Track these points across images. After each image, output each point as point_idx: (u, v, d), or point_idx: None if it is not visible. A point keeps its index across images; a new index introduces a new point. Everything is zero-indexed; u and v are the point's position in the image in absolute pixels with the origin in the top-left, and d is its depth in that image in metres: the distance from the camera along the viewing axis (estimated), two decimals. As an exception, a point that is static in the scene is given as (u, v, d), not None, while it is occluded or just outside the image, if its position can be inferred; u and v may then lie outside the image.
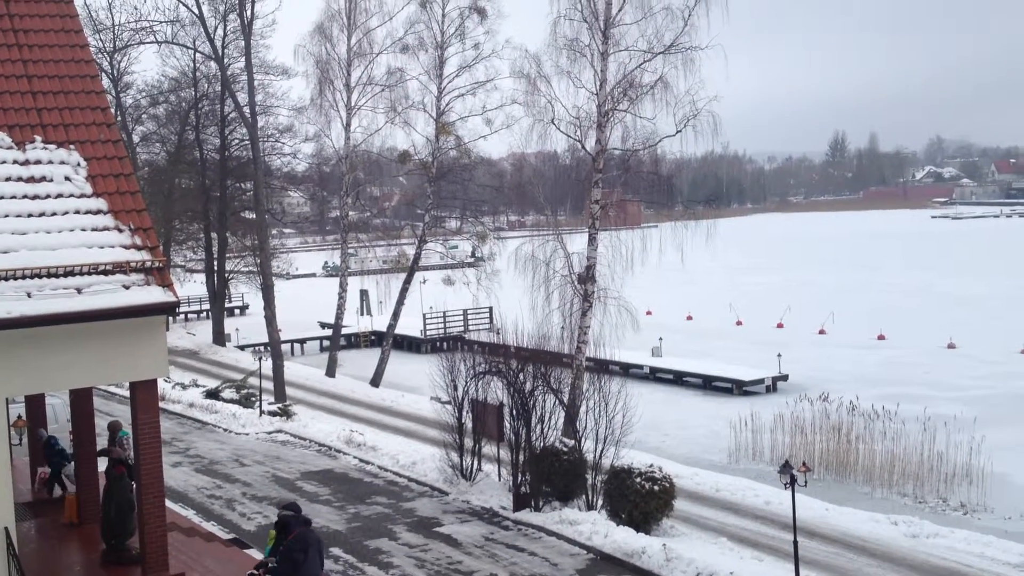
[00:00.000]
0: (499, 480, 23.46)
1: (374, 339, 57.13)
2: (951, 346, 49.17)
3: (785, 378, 41.71)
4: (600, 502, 21.97)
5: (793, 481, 17.97)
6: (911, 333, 52.93)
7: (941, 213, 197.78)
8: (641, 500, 20.82)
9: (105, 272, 12.93)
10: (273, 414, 32.66)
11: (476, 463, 24.00)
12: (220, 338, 55.49)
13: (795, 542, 17.89)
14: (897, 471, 27.87)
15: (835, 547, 20.43)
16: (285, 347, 49.38)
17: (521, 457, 22.48)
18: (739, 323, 60.59)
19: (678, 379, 44.42)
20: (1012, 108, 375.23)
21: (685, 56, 30.68)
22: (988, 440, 28.45)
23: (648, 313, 51.01)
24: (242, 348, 54.84)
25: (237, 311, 74.80)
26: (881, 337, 52.69)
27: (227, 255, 55.65)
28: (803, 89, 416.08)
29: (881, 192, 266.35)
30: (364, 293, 61.09)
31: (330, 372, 45.41)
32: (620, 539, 19.33)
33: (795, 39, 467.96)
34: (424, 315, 56.27)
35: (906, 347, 49.75)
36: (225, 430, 31.28)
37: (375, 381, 43.95)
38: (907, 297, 69.77)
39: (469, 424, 24.16)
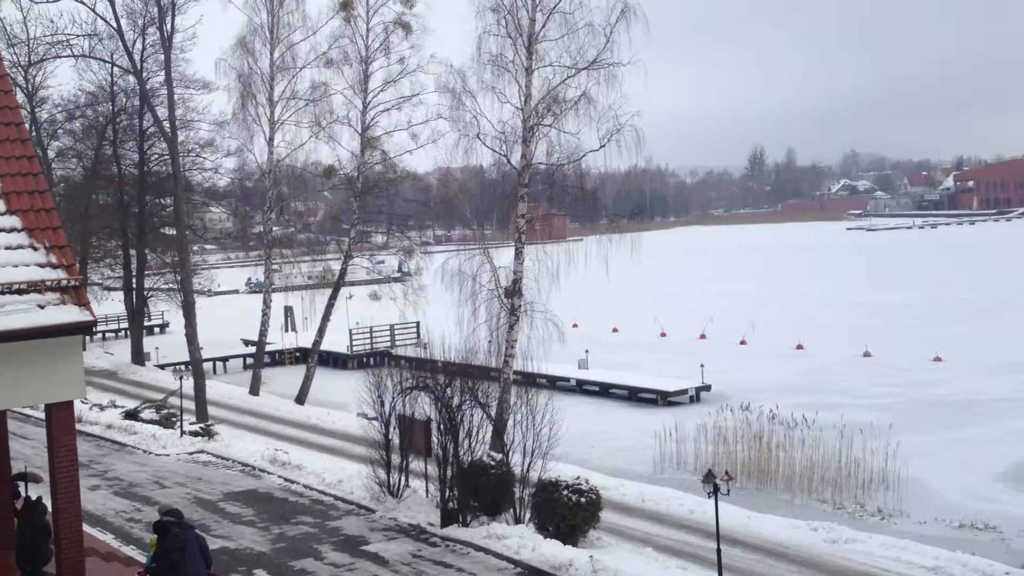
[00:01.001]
0: (427, 496, 23.39)
1: (299, 356, 56.52)
2: (866, 355, 50.44)
3: (708, 388, 42.36)
4: (528, 515, 22.03)
5: (716, 490, 18.28)
6: (828, 343, 54.18)
7: (856, 225, 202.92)
8: (568, 513, 20.94)
9: (19, 291, 12.62)
10: (195, 434, 32.08)
11: (403, 479, 23.90)
12: (139, 357, 54.33)
13: (718, 550, 18.20)
14: (816, 478, 28.48)
15: (757, 554, 20.80)
16: (207, 365, 48.56)
17: (449, 472, 22.45)
18: (663, 335, 61.38)
19: (604, 391, 44.79)
20: (923, 123, 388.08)
21: (608, 72, 31.10)
22: (903, 446, 29.24)
23: (574, 326, 51.40)
24: (162, 367, 53.76)
25: (157, 329, 73.40)
26: (800, 347, 53.84)
27: (146, 272, 54.58)
28: (724, 105, 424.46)
29: (799, 205, 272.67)
30: (288, 309, 60.46)
31: (254, 390, 44.78)
32: (548, 552, 19.42)
33: (716, 56, 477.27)
34: (350, 331, 55.86)
35: (824, 356, 50.90)
36: (145, 451, 30.62)
37: (300, 398, 43.46)
38: (824, 307, 71.42)
39: (396, 440, 24.05)
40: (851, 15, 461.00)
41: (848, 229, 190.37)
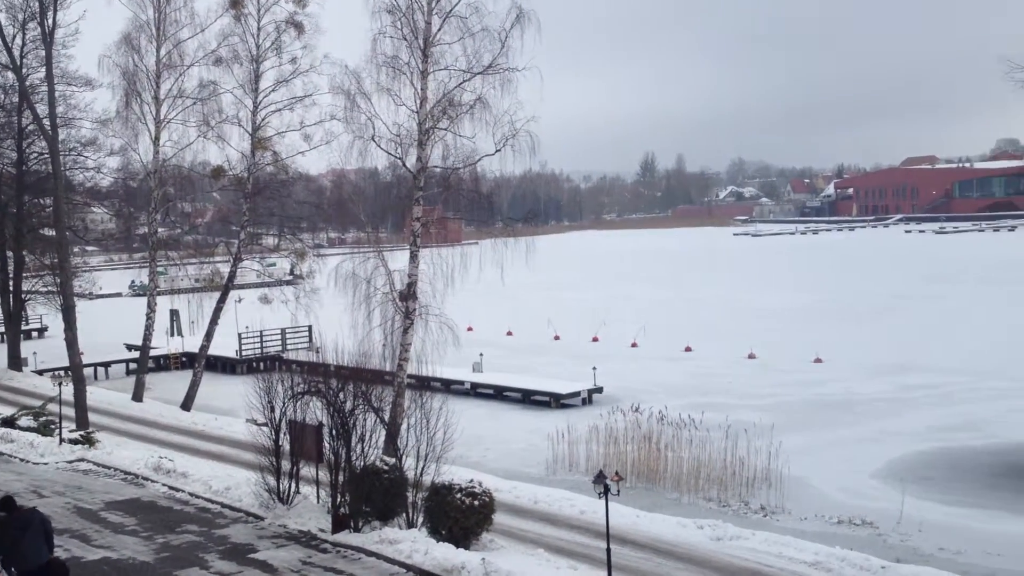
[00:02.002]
0: (318, 502, 23.15)
1: (185, 361, 55.14)
2: (751, 356, 51.90)
3: (600, 390, 42.97)
4: (421, 520, 22.00)
5: (606, 490, 18.58)
6: (716, 345, 55.59)
7: (742, 230, 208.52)
8: (461, 516, 20.98)
9: None
10: (75, 442, 31.02)
11: (294, 486, 23.59)
12: (16, 363, 52.21)
13: (608, 550, 18.50)
14: (703, 477, 29.19)
15: (645, 552, 21.21)
16: (88, 371, 47.01)
17: (341, 477, 22.26)
18: (557, 338, 62.00)
19: (498, 394, 45.01)
20: (805, 132, 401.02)
21: (503, 77, 31.23)
22: (785, 445, 30.20)
23: (469, 329, 51.51)
24: (40, 373, 51.73)
25: (35, 334, 70.64)
26: (688, 349, 55.08)
27: (24, 275, 52.47)
28: (617, 111, 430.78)
29: (688, 210, 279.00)
30: (175, 313, 58.93)
31: (137, 396, 43.51)
32: (440, 556, 19.45)
33: (611, 64, 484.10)
34: (239, 335, 54.78)
35: (711, 358, 52.19)
36: (22, 460, 29.48)
37: (186, 405, 42.42)
38: (712, 310, 73.20)
39: (287, 446, 23.72)
40: (740, 27, 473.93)
41: (735, 234, 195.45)
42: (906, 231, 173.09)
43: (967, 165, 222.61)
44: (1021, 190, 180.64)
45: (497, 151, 31.55)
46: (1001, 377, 43.39)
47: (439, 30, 31.70)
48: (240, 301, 51.72)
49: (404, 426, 23.79)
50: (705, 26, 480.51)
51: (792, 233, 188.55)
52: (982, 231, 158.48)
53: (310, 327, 48.77)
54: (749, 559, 20.76)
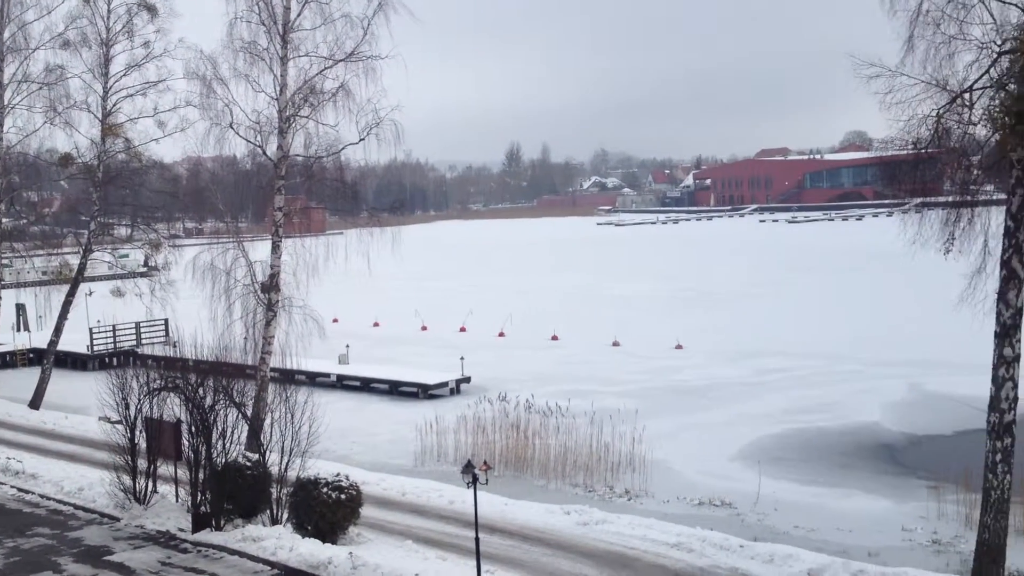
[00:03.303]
0: (177, 501, 22.47)
1: (33, 357, 52.54)
2: (615, 344, 52.89)
3: (468, 380, 43.03)
4: (286, 516, 21.63)
5: (475, 480, 18.62)
6: (581, 333, 56.42)
7: (606, 220, 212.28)
8: (328, 510, 20.72)
9: None
10: (-88, 445, 29.19)
11: (151, 485, 22.84)
12: None
13: (476, 539, 18.55)
14: (569, 463, 29.57)
15: (514, 540, 21.37)
16: (-74, 369, 44.27)
17: (201, 475, 21.65)
18: (424, 328, 61.80)
19: (365, 386, 44.55)
20: (665, 124, 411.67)
21: (367, 64, 30.84)
22: (648, 430, 30.89)
23: (335, 321, 50.78)
24: None
25: None
26: (555, 338, 55.74)
27: None
28: (483, 101, 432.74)
29: (553, 200, 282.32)
30: (20, 307, 56.11)
31: (-19, 395, 41.26)
32: (306, 551, 19.14)
33: (475, 53, 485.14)
34: (91, 329, 52.53)
35: (576, 346, 52.96)
36: None
37: (35, 403, 40.41)
38: (577, 299, 74.29)
39: (143, 444, 22.91)
40: (604, 21, 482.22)
41: (599, 224, 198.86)
42: (760, 221, 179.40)
43: (818, 157, 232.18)
44: (868, 181, 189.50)
45: (361, 140, 31.20)
46: (851, 361, 45.46)
47: (299, 15, 31.09)
48: (91, 294, 49.63)
49: (268, 421, 23.35)
50: (570, 19, 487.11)
51: (654, 223, 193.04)
52: (832, 220, 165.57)
53: (166, 321, 47.24)
54: (615, 543, 21.16)
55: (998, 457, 19.09)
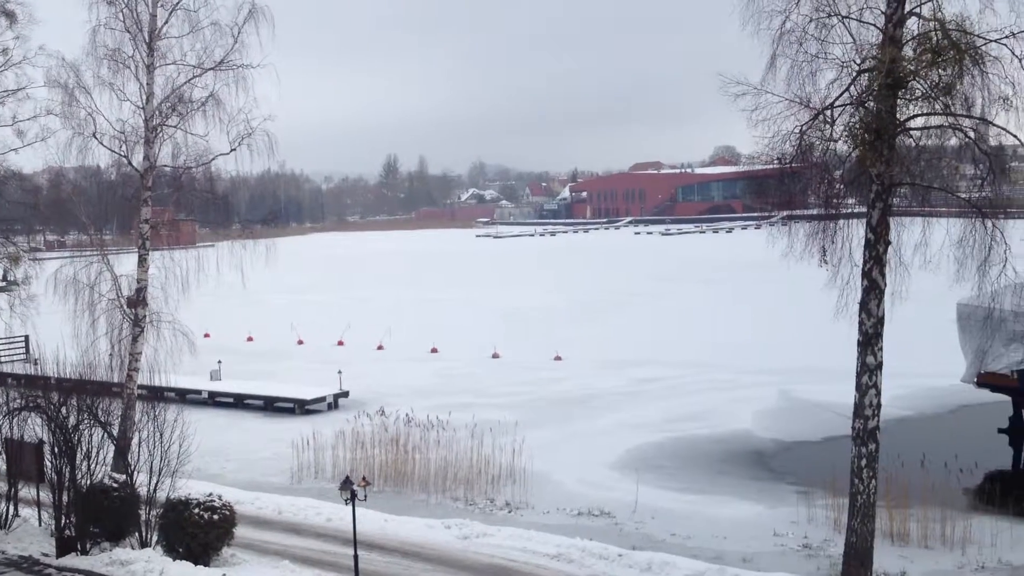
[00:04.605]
0: (40, 525, 21.44)
1: None
2: (496, 355, 53.03)
3: (346, 395, 42.42)
4: (156, 538, 20.91)
5: (353, 496, 18.34)
6: (461, 345, 56.35)
7: (484, 232, 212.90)
8: (200, 531, 20.13)
9: None
10: None
11: (12, 508, 21.73)
12: None
13: (355, 556, 18.27)
14: (450, 477, 29.44)
15: (394, 556, 21.13)
16: None
17: (66, 497, 20.73)
18: (301, 342, 60.69)
19: (239, 402, 43.43)
20: (541, 137, 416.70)
21: (237, 73, 30.17)
22: (528, 441, 31.00)
23: (206, 336, 49.44)
24: None
25: None
26: (434, 350, 55.52)
27: None
28: (359, 113, 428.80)
29: (432, 212, 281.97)
30: None
31: None
32: (176, 574, 18.50)
33: (350, 63, 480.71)
34: (-57, 348, 49.75)
35: (457, 359, 52.87)
36: None
37: None
38: (457, 311, 74.21)
39: (3, 466, 21.81)
40: (476, 35, 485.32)
41: (477, 236, 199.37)
42: (635, 233, 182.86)
43: (689, 171, 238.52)
44: (737, 194, 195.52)
45: (232, 150, 30.54)
46: (724, 369, 46.67)
47: (165, 23, 30.23)
48: (-56, 311, 47.00)
49: (135, 440, 22.58)
50: (447, 33, 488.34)
51: (532, 235, 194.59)
52: (703, 232, 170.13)
53: (27, 337, 45.17)
54: (496, 555, 21.14)
55: (863, 463, 19.85)
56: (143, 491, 21.26)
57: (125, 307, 30.45)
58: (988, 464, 30.54)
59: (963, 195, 19.99)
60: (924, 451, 27.66)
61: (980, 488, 28.39)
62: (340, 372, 43.25)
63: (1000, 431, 35.07)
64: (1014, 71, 18.36)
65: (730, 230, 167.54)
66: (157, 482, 21.12)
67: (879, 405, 20.00)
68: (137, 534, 21.07)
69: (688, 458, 32.41)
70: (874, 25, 19.48)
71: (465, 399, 41.00)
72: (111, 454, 22.81)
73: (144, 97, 30.22)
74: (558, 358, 51.45)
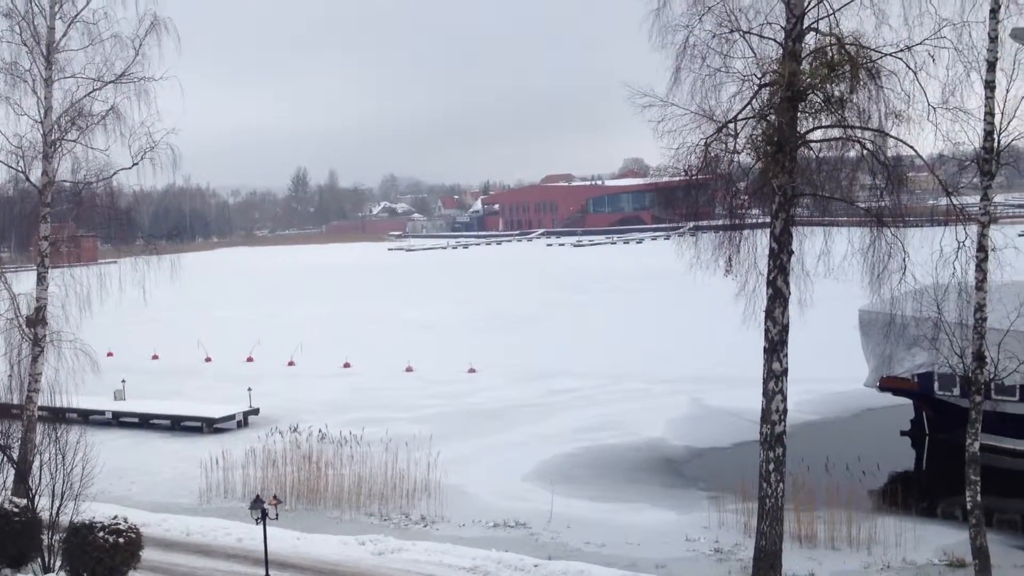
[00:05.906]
0: (-68, 556, 20.51)
1: None
2: (409, 369, 52.77)
3: (257, 412, 41.72)
4: (59, 563, 20.26)
5: (264, 515, 18.04)
6: (374, 359, 55.94)
7: (397, 246, 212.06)
8: (105, 555, 19.59)
9: None
10: None
11: (-99, 541, 20.75)
12: None
13: (268, 577, 17.95)
14: (364, 492, 29.16)
15: (307, 574, 20.84)
16: None
17: (-40, 527, 19.92)
18: (208, 359, 59.49)
19: (144, 422, 42.35)
20: (452, 150, 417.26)
21: (139, 87, 29.43)
22: (443, 454, 30.89)
23: (110, 355, 48.19)
24: None
25: None
26: (347, 365, 55.00)
27: None
28: (266, 127, 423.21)
29: (342, 226, 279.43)
30: None
31: None
32: (81, 603, 17.91)
33: (257, 76, 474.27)
34: None
35: (370, 373, 52.47)
36: None
37: None
38: (369, 325, 73.66)
39: None
40: (386, 49, 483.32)
41: (389, 249, 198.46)
42: (548, 244, 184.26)
43: (599, 183, 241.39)
44: (646, 205, 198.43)
45: (135, 164, 29.76)
46: (636, 379, 47.26)
47: (64, 36, 29.37)
48: None
49: (36, 463, 21.86)
50: (354, 47, 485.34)
51: (444, 248, 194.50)
52: (614, 243, 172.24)
53: (-81, 360, 43.28)
54: (411, 570, 21.03)
55: (771, 467, 20.29)
56: (45, 515, 20.65)
57: (24, 327, 29.45)
58: (891, 466, 31.55)
59: (862, 205, 20.63)
60: (829, 454, 28.44)
61: (884, 489, 29.30)
62: (250, 389, 42.52)
63: (902, 433, 36.25)
64: (909, 84, 19.06)
65: (640, 241, 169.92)
66: (60, 506, 20.53)
67: (785, 410, 20.48)
68: (40, 560, 20.42)
69: (602, 467, 32.70)
70: (774, 40, 20.02)
71: (379, 414, 40.69)
72: (11, 478, 22.10)
73: (42, 111, 29.32)
74: (472, 371, 51.43)
